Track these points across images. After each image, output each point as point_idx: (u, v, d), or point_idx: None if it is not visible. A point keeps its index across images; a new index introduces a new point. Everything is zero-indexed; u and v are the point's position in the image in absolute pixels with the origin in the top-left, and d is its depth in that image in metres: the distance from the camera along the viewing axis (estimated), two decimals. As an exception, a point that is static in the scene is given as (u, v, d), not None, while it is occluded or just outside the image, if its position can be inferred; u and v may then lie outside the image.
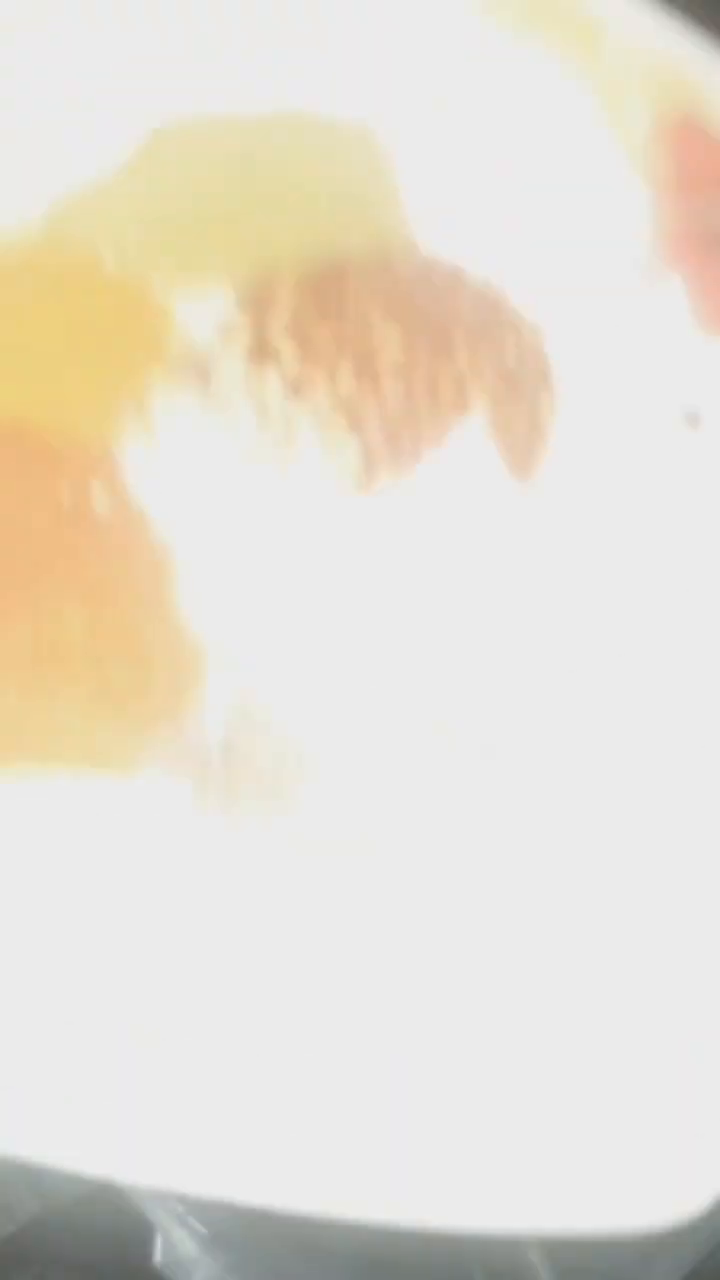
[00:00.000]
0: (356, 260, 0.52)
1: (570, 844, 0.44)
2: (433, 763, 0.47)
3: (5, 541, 0.45)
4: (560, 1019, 0.40)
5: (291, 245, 0.51)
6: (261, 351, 0.50)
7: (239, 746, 0.45)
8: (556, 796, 0.45)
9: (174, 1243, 0.48)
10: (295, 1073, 0.40)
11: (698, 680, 0.47)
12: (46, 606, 0.44)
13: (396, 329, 0.50)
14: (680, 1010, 0.40)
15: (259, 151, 0.51)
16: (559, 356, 0.53)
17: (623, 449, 0.51)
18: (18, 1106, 0.39)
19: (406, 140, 0.52)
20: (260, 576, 0.49)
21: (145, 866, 0.44)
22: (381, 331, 0.50)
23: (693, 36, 0.51)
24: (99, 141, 0.49)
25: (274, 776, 0.45)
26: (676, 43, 0.51)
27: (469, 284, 0.53)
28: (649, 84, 0.51)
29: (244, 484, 0.49)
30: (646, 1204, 0.36)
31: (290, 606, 0.49)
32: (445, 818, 0.46)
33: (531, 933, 0.42)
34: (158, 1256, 0.49)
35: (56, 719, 0.43)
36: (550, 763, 0.47)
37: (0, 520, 0.45)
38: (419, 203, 0.52)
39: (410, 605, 0.49)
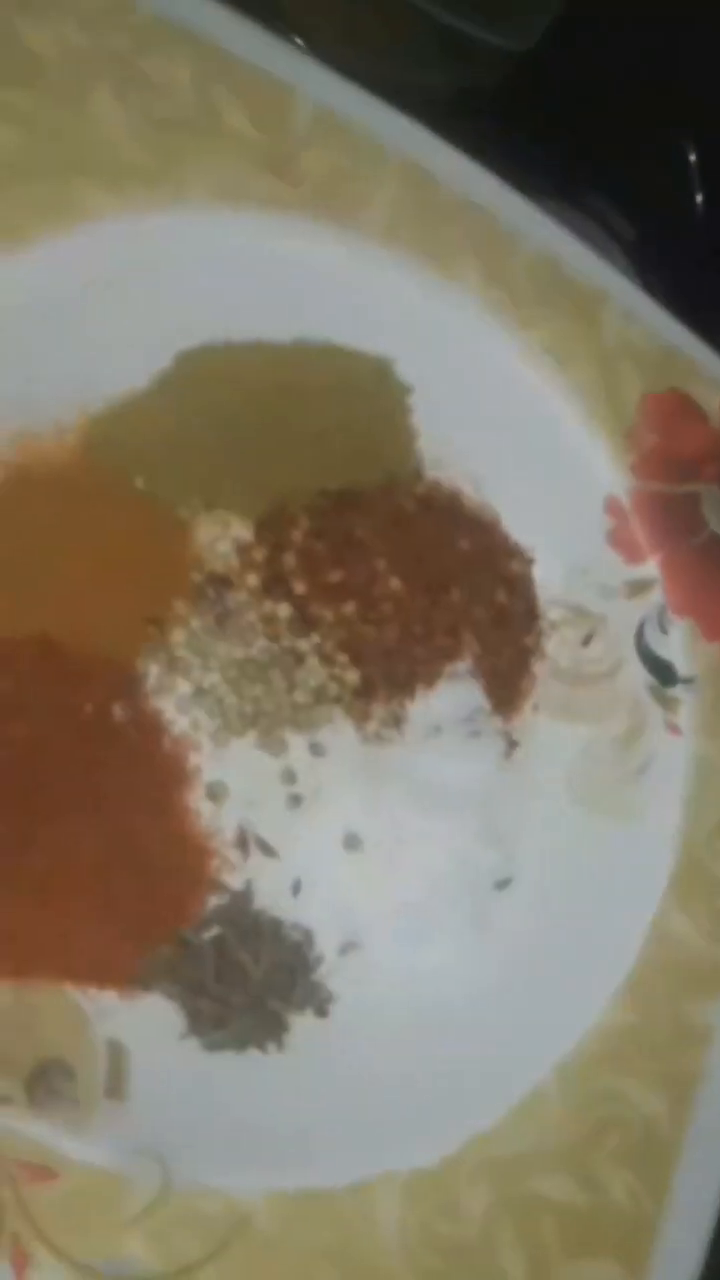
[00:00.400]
0: (366, 493, 0.56)
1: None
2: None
3: (29, 754, 0.47)
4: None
5: (308, 476, 0.55)
6: (276, 585, 0.53)
7: (232, 967, 0.49)
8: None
9: None
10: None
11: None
12: (64, 820, 0.46)
13: (398, 573, 0.54)
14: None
15: (282, 379, 0.54)
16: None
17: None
18: None
19: (422, 378, 0.57)
20: (263, 785, 0.52)
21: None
22: (384, 574, 0.54)
23: (684, 324, 0.58)
24: (131, 360, 0.52)
25: (260, 996, 0.49)
26: (670, 324, 0.58)
27: (467, 512, 0.58)
28: (642, 357, 0.57)
29: (252, 699, 0.52)
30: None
31: (289, 815, 0.52)
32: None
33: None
34: None
35: (68, 932, 0.46)
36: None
37: (25, 732, 0.47)
38: (427, 435, 0.58)
39: (395, 829, 0.53)
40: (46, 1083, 0.43)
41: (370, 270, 0.54)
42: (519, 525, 0.58)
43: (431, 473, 0.58)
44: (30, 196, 0.46)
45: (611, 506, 0.57)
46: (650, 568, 0.57)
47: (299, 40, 0.53)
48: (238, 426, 0.53)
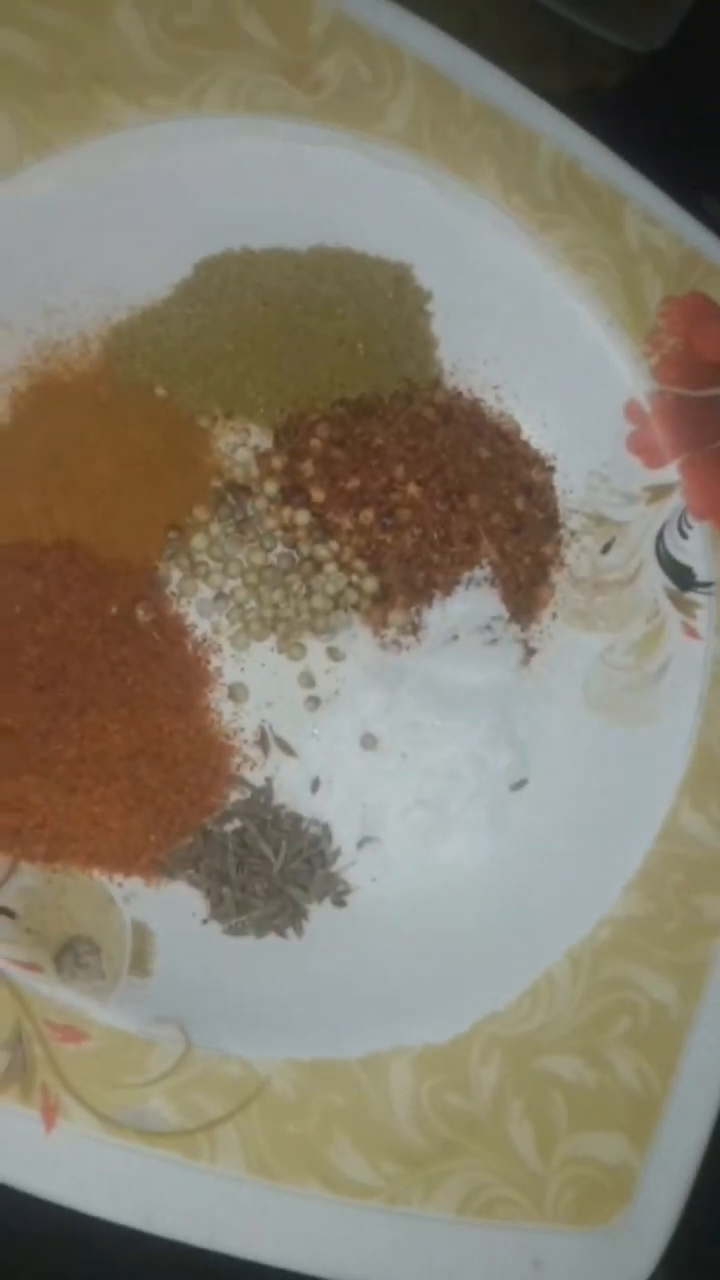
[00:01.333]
0: (385, 401, 0.58)
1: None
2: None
3: (57, 649, 0.50)
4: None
5: (327, 384, 0.57)
6: (295, 492, 0.56)
7: (253, 858, 0.52)
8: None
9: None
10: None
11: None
12: (92, 713, 0.49)
13: (417, 480, 0.56)
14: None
15: (301, 286, 0.56)
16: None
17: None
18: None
19: (441, 285, 0.58)
20: (282, 686, 0.55)
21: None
22: (402, 481, 0.56)
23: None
24: (153, 268, 0.55)
25: (280, 886, 0.52)
26: (692, 227, 0.59)
27: (487, 420, 0.60)
28: (663, 260, 0.58)
29: (271, 604, 0.55)
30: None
31: (308, 716, 0.55)
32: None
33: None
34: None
35: (96, 820, 0.49)
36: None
37: (54, 630, 0.50)
38: (447, 342, 0.59)
39: (412, 721, 0.55)
40: (74, 955, 0.46)
41: (388, 176, 0.55)
42: (540, 433, 0.60)
43: (452, 381, 0.60)
44: (56, 106, 0.48)
45: (632, 411, 0.58)
46: (670, 472, 0.58)
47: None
48: (257, 334, 0.55)
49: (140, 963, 0.48)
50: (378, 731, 0.55)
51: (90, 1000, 0.44)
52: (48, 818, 0.48)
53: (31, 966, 0.44)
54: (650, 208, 0.57)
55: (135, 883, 0.50)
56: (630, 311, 0.57)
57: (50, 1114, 0.41)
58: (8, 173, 0.48)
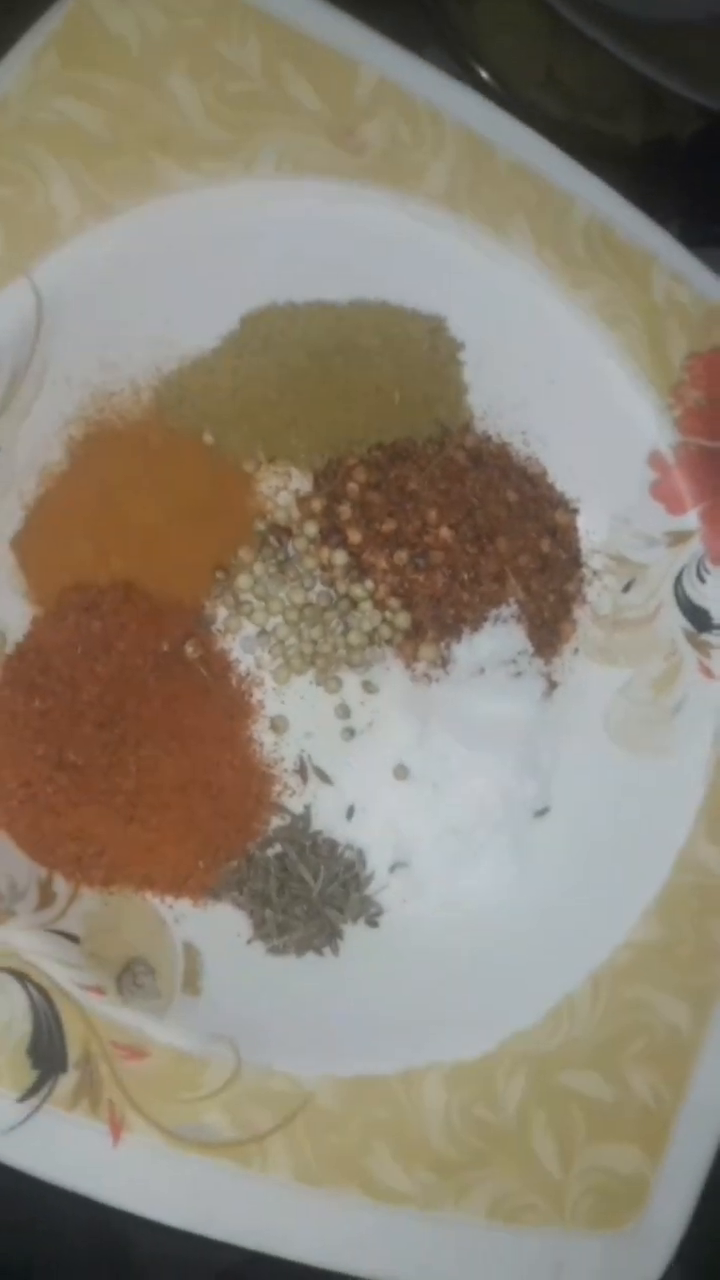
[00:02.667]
0: (419, 446, 0.62)
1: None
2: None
3: (115, 687, 0.54)
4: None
5: (364, 430, 0.61)
6: (333, 534, 0.60)
7: (293, 881, 0.56)
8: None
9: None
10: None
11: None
12: (147, 747, 0.53)
13: (448, 523, 0.60)
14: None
15: (341, 338, 0.60)
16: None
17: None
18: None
19: (474, 335, 0.62)
20: (320, 718, 0.59)
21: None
22: (435, 525, 0.60)
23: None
24: (201, 322, 0.58)
25: (318, 908, 0.56)
26: (716, 285, 0.63)
27: (515, 464, 0.64)
28: (688, 318, 0.62)
29: (310, 640, 0.59)
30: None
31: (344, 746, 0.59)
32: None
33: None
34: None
35: (150, 847, 0.53)
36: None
37: (112, 669, 0.54)
38: (478, 389, 0.63)
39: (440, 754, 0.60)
40: (132, 977, 0.50)
41: (426, 234, 0.58)
42: (565, 477, 0.64)
43: (481, 426, 0.64)
44: (114, 171, 0.52)
45: (655, 460, 0.62)
46: (691, 518, 0.62)
47: (495, 84, 0.59)
48: (299, 384, 0.59)
49: (190, 981, 0.52)
50: (410, 763, 0.59)
51: (149, 1019, 0.49)
52: (106, 846, 0.52)
53: (95, 989, 0.48)
54: (677, 267, 0.61)
55: (184, 904, 0.54)
56: (655, 366, 0.61)
57: (117, 1128, 0.46)
58: (69, 235, 0.51)
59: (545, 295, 0.61)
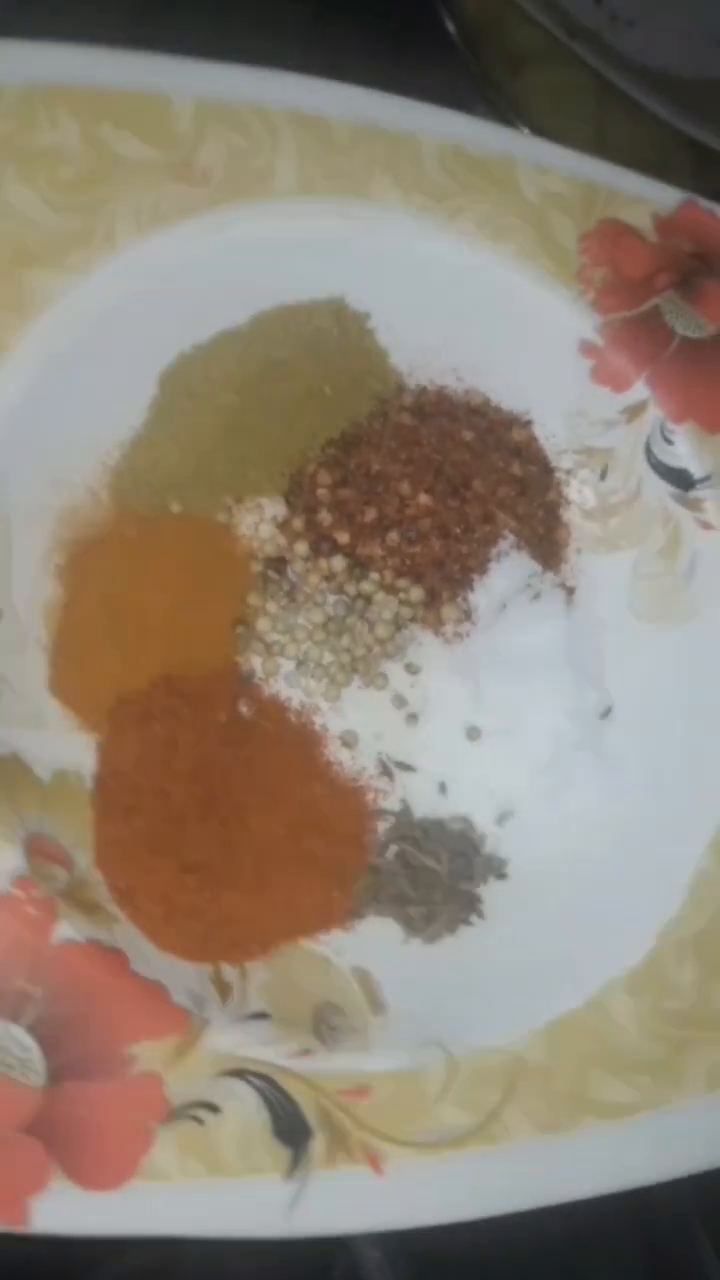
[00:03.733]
0: (365, 424, 0.63)
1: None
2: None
3: (198, 778, 0.56)
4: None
5: (311, 433, 0.62)
6: (322, 543, 0.61)
7: (421, 872, 0.60)
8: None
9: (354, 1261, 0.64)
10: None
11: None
12: (250, 817, 0.56)
13: (422, 488, 0.62)
14: None
15: (257, 359, 0.60)
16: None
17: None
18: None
19: (374, 301, 0.63)
20: (381, 716, 0.62)
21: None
22: (411, 495, 0.62)
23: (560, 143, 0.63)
24: (124, 404, 0.59)
25: (453, 886, 0.60)
26: (580, 160, 0.63)
27: (457, 402, 0.65)
28: (565, 202, 0.62)
29: (344, 650, 0.61)
30: None
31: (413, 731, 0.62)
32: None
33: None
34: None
35: (289, 903, 0.57)
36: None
37: (188, 763, 0.56)
38: (397, 349, 0.64)
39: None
40: (326, 1024, 0.54)
41: (296, 228, 0.58)
42: (508, 395, 0.65)
43: (413, 381, 0.65)
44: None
45: (586, 348, 0.63)
46: (639, 389, 0.64)
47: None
48: (237, 420, 0.60)
49: (373, 1002, 0.56)
50: (476, 721, 0.62)
51: (358, 1056, 0.53)
52: (252, 920, 0.55)
53: (302, 1053, 0.52)
54: (536, 158, 0.61)
55: (336, 935, 0.58)
56: (554, 259, 0.62)
57: (375, 1163, 0.50)
58: (-23, 390, 0.51)
59: (427, 237, 0.61)
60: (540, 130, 0.67)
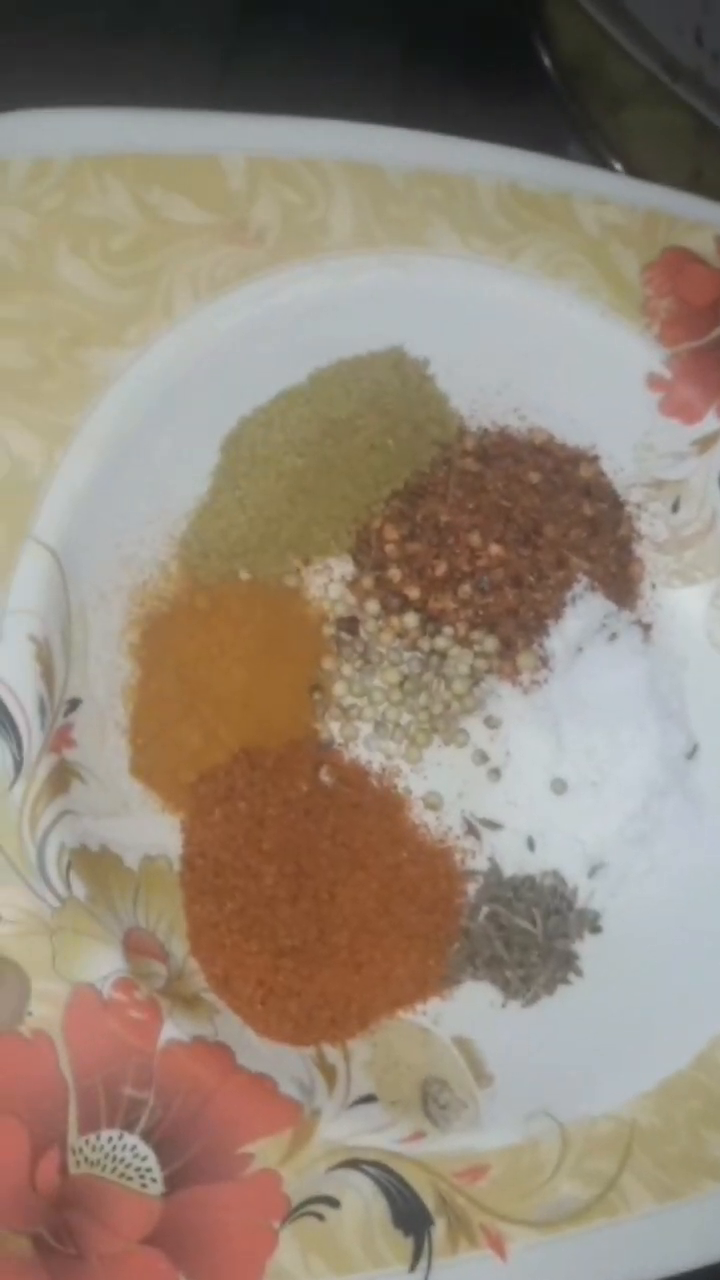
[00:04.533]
0: (429, 473, 0.62)
1: None
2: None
3: (286, 855, 0.55)
4: None
5: (375, 487, 0.61)
6: (392, 599, 0.60)
7: (515, 932, 0.59)
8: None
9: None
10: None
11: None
12: (340, 892, 0.55)
13: (493, 538, 0.61)
14: None
15: (318, 417, 0.59)
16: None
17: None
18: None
19: (434, 346, 0.62)
20: (463, 774, 0.61)
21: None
22: (481, 546, 0.61)
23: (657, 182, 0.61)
24: (187, 474, 0.58)
25: (549, 945, 0.59)
26: (639, 188, 0.61)
27: (521, 443, 0.64)
28: (626, 234, 0.61)
29: (422, 709, 0.61)
30: None
31: (497, 787, 0.62)
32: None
33: None
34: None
35: (385, 976, 0.56)
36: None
37: (276, 839, 0.55)
38: (457, 393, 0.63)
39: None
40: (434, 1100, 0.54)
41: (354, 281, 0.57)
42: (572, 431, 0.64)
43: (474, 424, 0.64)
44: (53, 392, 0.51)
45: (653, 381, 0.62)
46: (711, 420, 0.62)
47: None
48: (301, 482, 0.59)
49: (478, 1073, 0.56)
50: (561, 773, 0.61)
51: (470, 1134, 0.52)
52: (349, 997, 0.55)
53: (414, 1136, 0.51)
54: (594, 189, 0.60)
55: (435, 1004, 0.57)
56: (617, 293, 0.61)
57: (498, 1246, 0.50)
58: (46, 478, 0.51)
59: (486, 279, 0.60)
60: (637, 170, 0.65)
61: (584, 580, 0.63)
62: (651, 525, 0.65)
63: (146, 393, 0.53)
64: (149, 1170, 0.46)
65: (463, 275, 0.59)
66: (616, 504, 0.65)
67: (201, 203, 0.54)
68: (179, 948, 0.52)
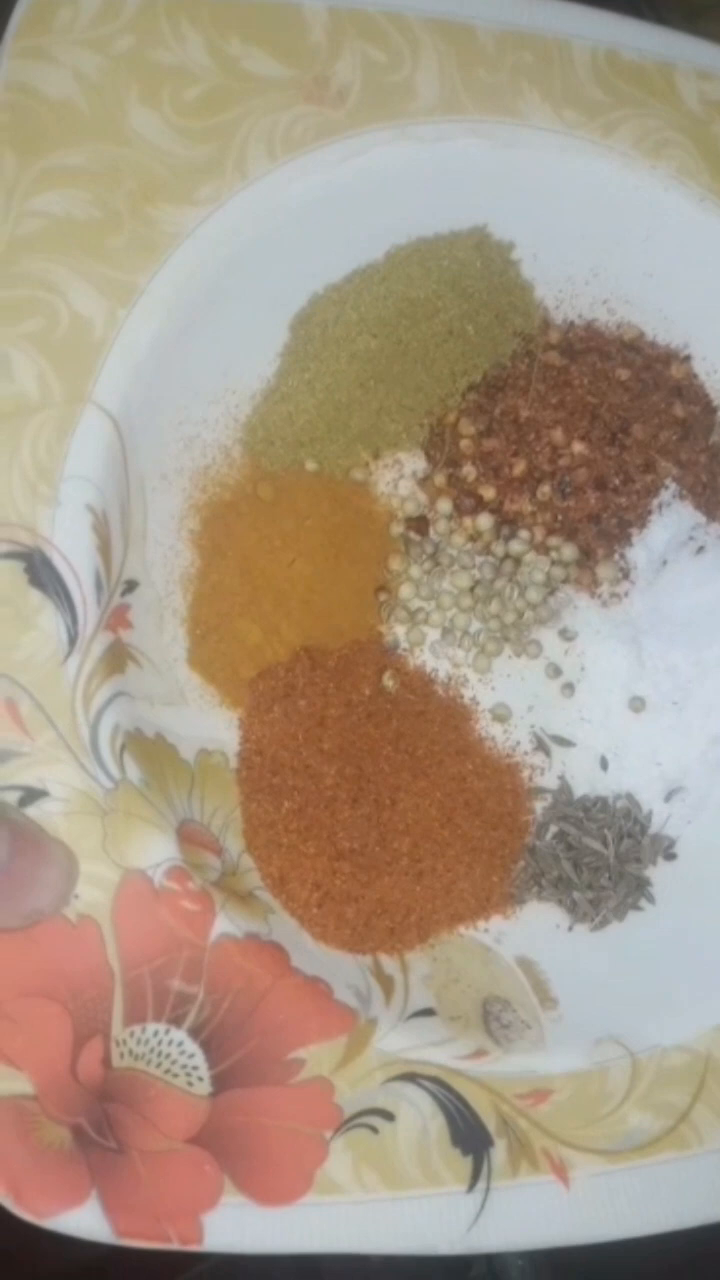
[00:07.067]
0: (509, 366, 0.59)
1: None
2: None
3: (348, 756, 0.53)
4: None
5: (451, 378, 0.58)
6: (467, 500, 0.58)
7: (584, 854, 0.57)
8: None
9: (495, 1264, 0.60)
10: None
11: None
12: (402, 799, 0.53)
13: (577, 435, 0.58)
14: None
15: (393, 298, 0.56)
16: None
17: None
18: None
19: (518, 229, 0.59)
20: (534, 687, 0.59)
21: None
22: (564, 443, 0.58)
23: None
24: (254, 351, 0.56)
25: (620, 869, 0.57)
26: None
27: (609, 338, 0.61)
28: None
29: (494, 617, 0.58)
30: None
31: (570, 703, 0.59)
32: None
33: None
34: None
35: (447, 888, 0.54)
36: None
37: (337, 740, 0.53)
38: (543, 281, 0.60)
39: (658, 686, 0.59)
40: (495, 1019, 0.52)
41: (437, 150, 0.54)
42: (664, 328, 0.61)
43: (560, 315, 0.61)
44: (120, 246, 0.49)
45: (754, 275, 0.59)
46: None
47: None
48: (373, 367, 0.56)
49: (543, 995, 0.53)
50: (640, 690, 0.58)
51: (535, 1055, 0.50)
52: (409, 906, 0.53)
53: (476, 1054, 0.49)
54: (699, 62, 0.57)
55: (497, 923, 0.55)
56: (717, 176, 0.57)
57: (561, 1173, 0.47)
58: (109, 339, 0.48)
59: (579, 155, 0.57)
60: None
61: (672, 487, 0.59)
62: (748, 430, 0.62)
63: (216, 256, 0.51)
64: (196, 1069, 0.44)
65: (553, 150, 0.56)
66: (709, 408, 0.62)
67: (280, 56, 0.51)
68: (234, 845, 0.50)
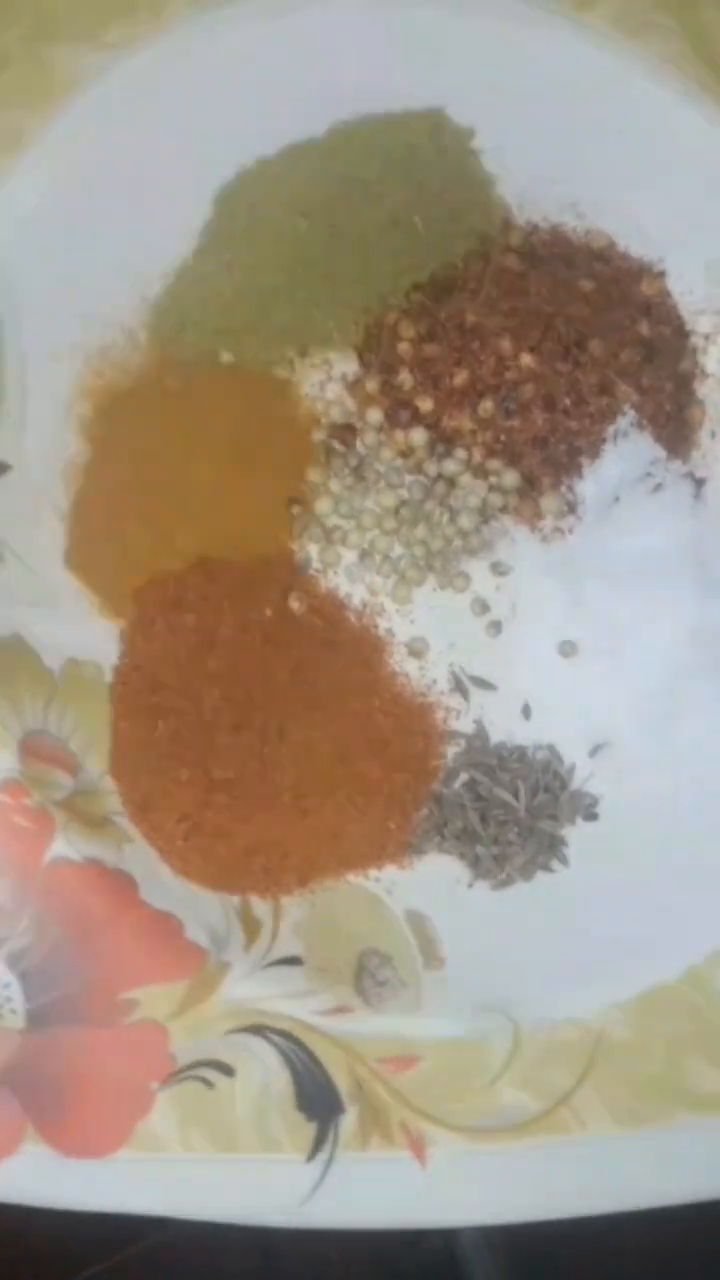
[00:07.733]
0: (461, 267, 0.54)
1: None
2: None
3: (234, 680, 0.49)
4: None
5: (394, 274, 0.53)
6: (400, 410, 0.53)
7: (494, 805, 0.52)
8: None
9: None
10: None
11: None
12: (292, 730, 0.49)
13: (526, 346, 0.52)
14: None
15: (332, 177, 0.51)
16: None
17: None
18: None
19: (481, 115, 0.53)
20: (458, 623, 0.54)
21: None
22: (512, 354, 0.52)
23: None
24: (169, 225, 0.51)
25: (531, 825, 0.52)
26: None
27: (576, 246, 0.56)
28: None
29: (418, 543, 0.53)
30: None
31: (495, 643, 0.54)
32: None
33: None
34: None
35: (334, 831, 0.49)
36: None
37: (224, 661, 0.49)
38: (506, 176, 0.54)
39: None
40: (370, 975, 0.47)
41: (389, 11, 0.49)
42: (638, 239, 0.56)
43: (523, 216, 0.55)
44: (7, 86, 0.44)
45: (740, 180, 0.53)
46: None
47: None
48: (306, 253, 0.51)
49: (430, 953, 0.49)
50: (573, 635, 0.53)
51: (406, 1018, 0.46)
52: (289, 847, 0.48)
53: (339, 1010, 0.45)
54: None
55: (391, 872, 0.50)
56: (707, 68, 0.52)
57: (418, 1148, 0.43)
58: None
59: (549, 31, 0.51)
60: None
61: (630, 415, 0.54)
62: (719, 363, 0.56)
63: (125, 109, 0.46)
64: (10, 1000, 0.40)
65: (521, 23, 0.50)
66: (680, 330, 0.56)
67: None
68: (94, 765, 0.46)
